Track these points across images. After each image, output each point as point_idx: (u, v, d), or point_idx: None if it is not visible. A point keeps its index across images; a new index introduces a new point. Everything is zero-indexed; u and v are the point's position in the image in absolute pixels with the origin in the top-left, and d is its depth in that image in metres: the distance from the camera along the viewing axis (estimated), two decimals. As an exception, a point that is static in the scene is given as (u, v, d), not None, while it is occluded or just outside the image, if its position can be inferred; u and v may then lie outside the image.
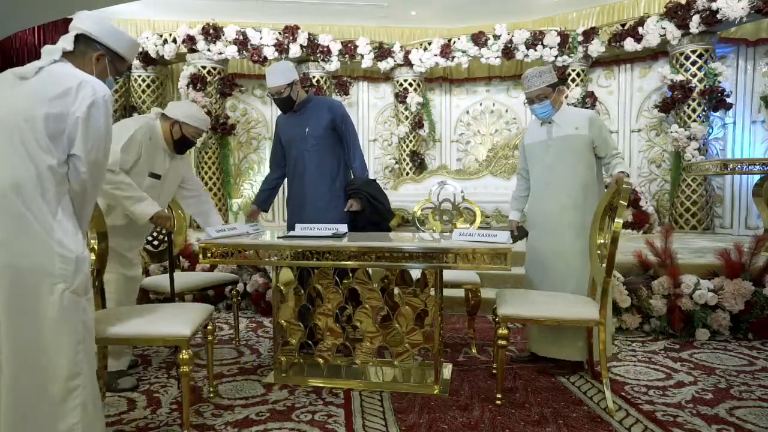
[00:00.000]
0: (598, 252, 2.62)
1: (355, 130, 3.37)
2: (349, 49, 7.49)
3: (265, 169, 8.17)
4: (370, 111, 8.39)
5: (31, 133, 1.65)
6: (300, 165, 3.25)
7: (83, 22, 1.87)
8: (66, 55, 1.82)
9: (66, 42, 1.83)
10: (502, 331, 2.46)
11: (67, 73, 1.74)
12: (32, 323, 1.66)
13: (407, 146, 7.95)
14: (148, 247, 3.43)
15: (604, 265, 2.53)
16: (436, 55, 7.56)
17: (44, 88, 1.70)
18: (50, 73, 1.74)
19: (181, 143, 2.91)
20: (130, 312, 2.33)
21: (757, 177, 5.14)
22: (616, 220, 2.36)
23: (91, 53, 1.86)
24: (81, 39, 1.85)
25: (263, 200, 3.51)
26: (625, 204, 2.38)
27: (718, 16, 5.84)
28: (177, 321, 2.20)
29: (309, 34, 7.34)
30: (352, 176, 3.33)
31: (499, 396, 2.48)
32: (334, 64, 7.49)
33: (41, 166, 1.66)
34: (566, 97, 7.17)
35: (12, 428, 1.65)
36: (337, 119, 3.23)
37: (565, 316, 2.48)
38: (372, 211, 3.19)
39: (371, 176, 8.23)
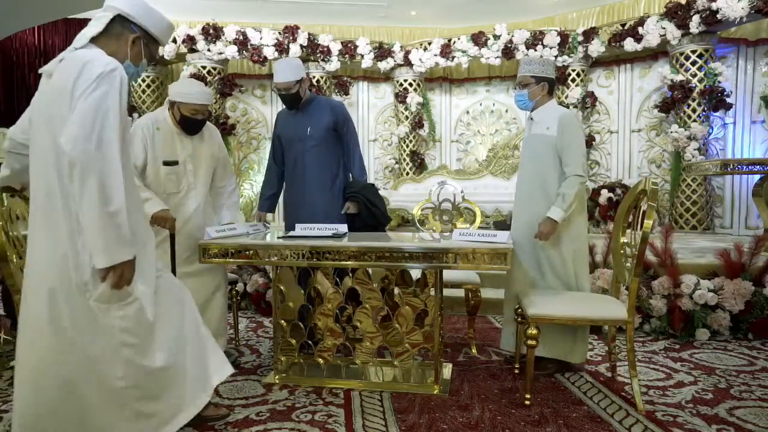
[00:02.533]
0: (621, 252, 2.64)
1: (356, 132, 3.36)
2: (349, 49, 7.49)
3: (265, 169, 8.21)
4: (370, 111, 8.38)
5: (57, 131, 1.57)
6: (300, 164, 3.24)
7: (119, 1, 1.76)
8: (97, 39, 1.71)
9: (97, 25, 1.72)
10: (532, 331, 2.45)
11: (77, 59, 1.62)
12: (70, 329, 1.61)
13: (407, 146, 7.95)
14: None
15: (627, 264, 2.54)
16: (436, 55, 7.55)
17: (60, 81, 1.61)
18: (67, 62, 1.65)
19: (184, 124, 2.84)
20: None
21: (757, 177, 5.14)
22: (645, 221, 2.36)
23: (127, 35, 1.76)
24: (117, 20, 1.75)
25: (271, 205, 3.45)
26: (655, 206, 2.38)
27: (718, 16, 5.84)
28: None
29: (309, 34, 7.34)
30: (351, 178, 3.33)
31: (528, 396, 2.47)
32: (334, 64, 7.49)
33: (65, 166, 1.56)
34: (566, 97, 7.18)
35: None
36: (339, 120, 3.22)
37: (596, 316, 2.50)
38: (368, 215, 3.19)
39: (371, 177, 8.25)
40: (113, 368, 1.67)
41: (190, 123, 2.85)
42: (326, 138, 3.21)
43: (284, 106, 3.32)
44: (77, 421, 1.64)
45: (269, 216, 3.52)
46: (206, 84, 7.23)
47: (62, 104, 1.58)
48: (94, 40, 1.72)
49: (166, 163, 2.80)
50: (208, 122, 3.00)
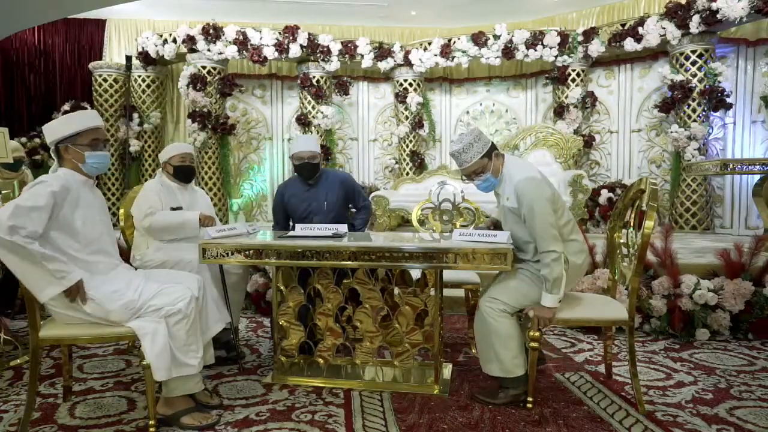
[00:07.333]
0: (618, 252, 2.63)
1: (363, 193, 3.63)
2: (349, 49, 7.49)
3: (265, 169, 8.22)
4: (370, 111, 8.38)
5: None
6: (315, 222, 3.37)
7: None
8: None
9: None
10: (535, 333, 2.45)
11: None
12: None
13: (407, 146, 7.94)
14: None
15: (624, 263, 2.53)
16: (436, 55, 7.54)
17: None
18: None
19: (179, 174, 3.26)
20: None
21: (757, 177, 5.14)
22: (647, 222, 2.32)
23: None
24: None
25: None
26: (656, 206, 2.35)
27: (718, 16, 5.84)
28: None
29: (309, 34, 7.34)
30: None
31: (530, 399, 2.45)
32: (334, 64, 7.48)
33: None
34: (566, 97, 7.17)
35: None
36: (348, 192, 3.48)
37: (599, 317, 2.50)
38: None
39: (371, 177, 8.27)
40: None
41: (182, 172, 3.27)
42: (340, 207, 3.45)
43: (293, 178, 3.50)
44: None
45: (268, 216, 3.62)
46: (206, 84, 7.23)
47: None
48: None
49: (173, 209, 3.17)
50: (198, 188, 3.48)
